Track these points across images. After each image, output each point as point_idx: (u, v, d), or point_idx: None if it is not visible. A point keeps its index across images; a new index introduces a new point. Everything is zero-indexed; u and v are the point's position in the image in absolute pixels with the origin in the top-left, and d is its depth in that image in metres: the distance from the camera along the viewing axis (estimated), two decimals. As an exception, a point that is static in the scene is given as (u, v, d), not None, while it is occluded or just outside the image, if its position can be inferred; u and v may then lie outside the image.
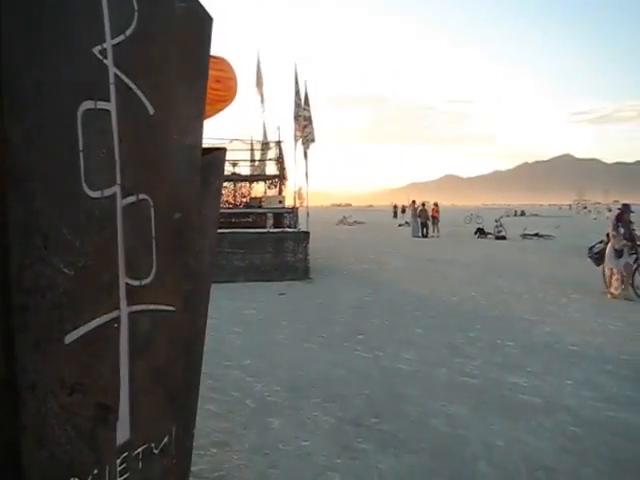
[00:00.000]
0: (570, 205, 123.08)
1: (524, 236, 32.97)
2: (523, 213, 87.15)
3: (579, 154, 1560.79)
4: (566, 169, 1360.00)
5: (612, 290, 12.73)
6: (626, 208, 13.11)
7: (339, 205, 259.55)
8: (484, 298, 12.69)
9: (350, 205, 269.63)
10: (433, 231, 34.97)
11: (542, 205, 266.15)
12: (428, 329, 9.67)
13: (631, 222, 12.84)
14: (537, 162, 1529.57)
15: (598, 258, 13.55)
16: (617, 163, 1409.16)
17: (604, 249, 13.23)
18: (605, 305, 11.91)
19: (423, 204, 36.83)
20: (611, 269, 12.83)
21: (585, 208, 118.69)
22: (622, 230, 12.64)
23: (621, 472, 4.60)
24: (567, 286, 14.30)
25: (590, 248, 14.05)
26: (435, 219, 35.67)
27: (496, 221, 34.12)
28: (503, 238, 32.01)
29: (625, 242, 12.56)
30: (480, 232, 33.93)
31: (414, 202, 38.84)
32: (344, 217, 58.52)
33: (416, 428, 5.49)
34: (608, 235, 13.07)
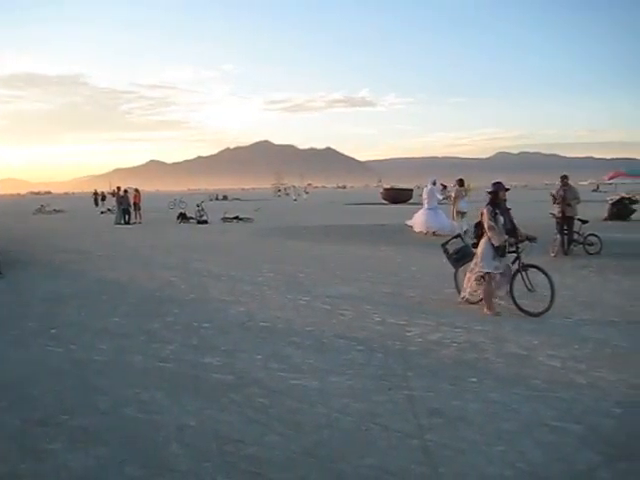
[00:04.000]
0: (281, 189, 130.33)
1: (225, 219, 33.81)
2: (226, 197, 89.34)
3: (277, 140, 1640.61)
4: (265, 154, 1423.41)
5: (467, 295, 9.84)
6: (499, 186, 9.67)
7: (37, 193, 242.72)
8: (183, 282, 12.79)
9: (50, 193, 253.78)
10: (135, 217, 34.32)
11: (244, 189, 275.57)
12: (126, 316, 9.52)
13: (508, 208, 9.75)
14: (239, 148, 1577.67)
15: (459, 259, 10.35)
16: (310, 149, 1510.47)
17: (466, 247, 10.35)
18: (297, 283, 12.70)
19: (125, 190, 35.92)
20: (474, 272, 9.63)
21: (280, 191, 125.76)
22: (502, 219, 9.38)
23: (303, 434, 4.96)
24: (263, 264, 15.02)
25: (444, 245, 10.81)
26: (137, 205, 35.00)
27: (197, 205, 34.52)
28: (205, 222, 32.54)
29: (507, 237, 9.30)
30: (182, 217, 34.07)
31: (119, 188, 37.67)
32: (42, 206, 54.93)
33: (108, 419, 5.37)
34: (478, 226, 9.77)
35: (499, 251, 9.28)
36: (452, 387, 6.00)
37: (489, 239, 9.31)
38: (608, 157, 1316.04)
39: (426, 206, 23.54)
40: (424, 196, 24.03)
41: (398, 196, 59.46)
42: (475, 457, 4.48)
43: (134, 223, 33.32)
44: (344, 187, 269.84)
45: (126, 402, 5.78)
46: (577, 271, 13.64)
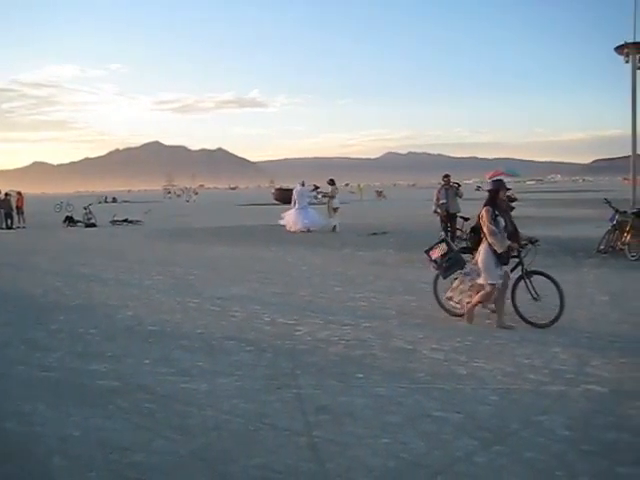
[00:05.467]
0: (171, 191, 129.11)
1: (114, 222, 32.96)
2: (115, 199, 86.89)
3: (167, 141, 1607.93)
4: (156, 155, 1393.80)
5: (454, 304, 8.85)
6: (500, 184, 8.76)
7: None
8: (69, 287, 12.40)
9: None
10: (19, 222, 32.87)
11: (130, 191, 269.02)
12: (6, 325, 9.18)
13: (511, 207, 8.72)
14: (128, 149, 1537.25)
15: (449, 267, 8.99)
16: (201, 150, 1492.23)
17: (456, 254, 9.08)
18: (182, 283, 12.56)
19: (7, 194, 34.29)
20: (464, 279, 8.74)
21: (169, 192, 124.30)
22: (502, 222, 8.37)
23: (191, 437, 4.93)
24: (153, 267, 14.76)
25: (427, 252, 9.26)
26: (19, 209, 33.50)
27: (85, 208, 33.45)
28: (93, 225, 31.62)
29: (510, 242, 8.27)
30: (69, 220, 32.94)
31: (-1, 192, 35.85)
32: None
33: (-14, 436, 5.15)
34: (475, 231, 8.72)
35: (502, 259, 8.28)
36: (339, 384, 6.13)
37: (490, 245, 8.22)
38: (490, 157, 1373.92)
39: (297, 206, 25.03)
40: (294, 197, 25.52)
41: (290, 196, 59.64)
42: (361, 450, 4.59)
43: (17, 228, 31.90)
44: (235, 188, 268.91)
45: (6, 415, 5.54)
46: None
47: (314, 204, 25.78)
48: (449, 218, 16.86)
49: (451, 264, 8.97)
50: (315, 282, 12.43)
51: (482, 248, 8.36)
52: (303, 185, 26.62)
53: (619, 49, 16.11)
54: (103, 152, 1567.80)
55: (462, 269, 8.83)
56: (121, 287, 12.36)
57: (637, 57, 15.96)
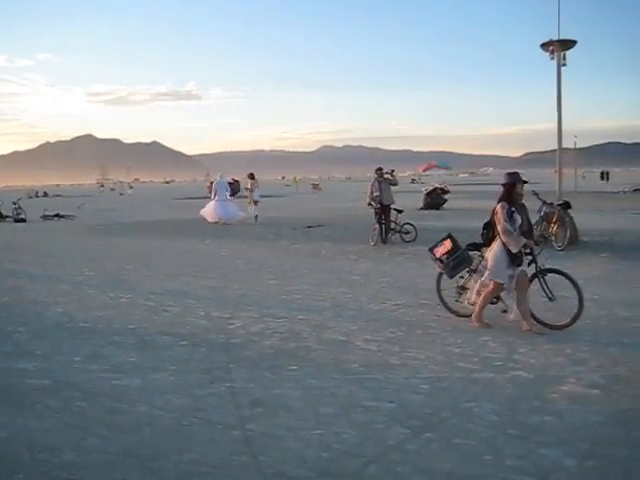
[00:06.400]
0: (104, 185, 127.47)
1: (45, 217, 32.09)
2: (46, 194, 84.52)
3: (100, 134, 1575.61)
4: (89, 149, 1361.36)
5: (469, 303, 8.23)
6: (516, 177, 7.97)
7: None
8: (-5, 285, 12.03)
9: None
10: (-60, 218, 31.69)
11: (59, 185, 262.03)
12: None
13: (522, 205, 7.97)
14: (59, 142, 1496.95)
15: (457, 265, 8.44)
16: (136, 143, 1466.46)
17: (464, 252, 8.46)
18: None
19: None
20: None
21: (103, 186, 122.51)
22: (519, 219, 7.75)
23: (123, 434, 4.86)
24: (85, 262, 14.46)
25: (431, 249, 8.72)
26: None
27: (14, 203, 32.45)
28: (23, 221, 30.71)
29: (526, 241, 7.68)
30: (-3, 216, 31.94)
31: None
32: None
33: None
34: (488, 227, 8.04)
35: (517, 259, 7.72)
36: (273, 376, 6.15)
37: (504, 244, 7.66)
38: (425, 150, 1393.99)
39: (216, 198, 25.79)
40: (214, 189, 26.25)
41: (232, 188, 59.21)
42: (294, 442, 4.62)
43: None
44: (171, 181, 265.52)
45: None
46: (395, 258, 14.42)
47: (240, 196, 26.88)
48: (383, 210, 17.05)
49: (458, 262, 8.40)
50: (250, 275, 12.40)
51: (495, 245, 7.81)
52: (222, 178, 27.53)
53: (545, 46, 16.53)
54: (33, 145, 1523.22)
55: (469, 267, 8.39)
56: (51, 283, 12.06)
57: (562, 54, 16.41)
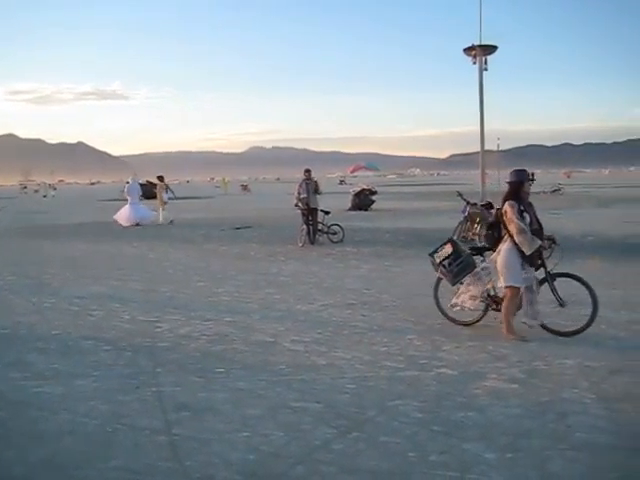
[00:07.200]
0: (27, 186, 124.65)
1: (-39, 221, 30.98)
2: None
3: (23, 134, 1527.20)
4: (11, 149, 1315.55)
5: (462, 305, 7.86)
6: (524, 175, 7.60)
7: None
8: None
9: None
10: None
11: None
12: None
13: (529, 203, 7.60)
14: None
15: (461, 271, 7.89)
16: (60, 143, 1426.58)
17: (468, 257, 7.98)
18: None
19: None
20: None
21: (26, 188, 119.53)
22: (528, 218, 7.37)
23: (44, 443, 4.75)
24: (5, 267, 14.00)
25: (432, 254, 8.15)
26: None
27: None
28: (-63, 224, 29.56)
29: (541, 242, 7.28)
30: None
31: None
32: None
33: None
34: (493, 227, 7.85)
35: (531, 260, 7.29)
36: (200, 379, 6.10)
37: (515, 245, 7.21)
38: (354, 152, 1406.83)
39: (130, 200, 25.91)
40: (126, 192, 26.37)
41: (152, 191, 58.45)
42: (220, 446, 4.61)
43: None
44: (96, 183, 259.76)
45: None
46: (322, 259, 14.51)
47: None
48: (310, 211, 17.14)
49: (462, 268, 7.87)
50: (178, 278, 12.26)
51: (504, 247, 7.36)
52: (134, 180, 27.77)
53: (468, 51, 16.96)
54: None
55: (472, 272, 7.87)
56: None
57: (484, 59, 16.87)
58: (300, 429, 4.88)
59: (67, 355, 7.11)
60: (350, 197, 32.66)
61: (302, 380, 6.04)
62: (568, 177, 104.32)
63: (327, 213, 17.77)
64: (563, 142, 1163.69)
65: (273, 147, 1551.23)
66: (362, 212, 30.69)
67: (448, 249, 7.98)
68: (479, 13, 17.01)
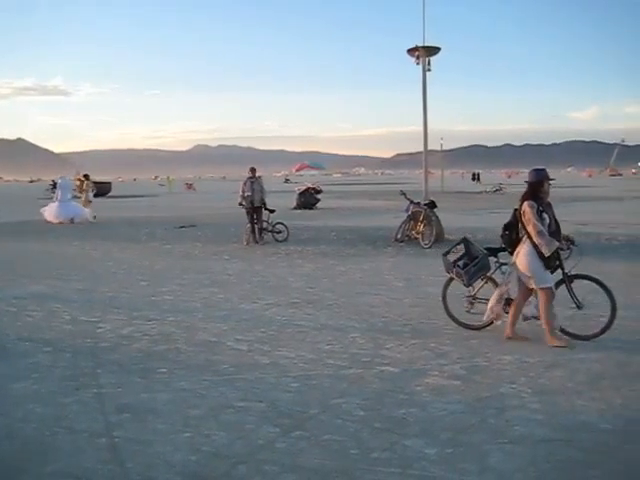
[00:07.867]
0: None
1: None
2: None
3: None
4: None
5: (494, 316, 7.52)
6: (544, 175, 7.31)
7: None
8: None
9: None
10: None
11: None
12: None
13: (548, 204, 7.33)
14: None
15: (477, 271, 7.71)
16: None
17: (484, 257, 7.71)
18: None
19: None
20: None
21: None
22: (547, 219, 7.13)
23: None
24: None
25: (445, 255, 8.08)
26: None
27: None
28: None
29: (559, 243, 7.10)
30: None
31: None
32: None
33: None
34: (510, 228, 7.48)
35: (549, 262, 7.04)
36: (142, 380, 6.03)
37: (535, 246, 6.99)
38: (298, 150, 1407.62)
39: (60, 198, 26.13)
40: (58, 190, 26.69)
41: (97, 189, 57.57)
42: (162, 447, 4.56)
43: None
44: (36, 181, 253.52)
45: None
46: (267, 258, 14.50)
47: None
48: (254, 210, 17.10)
49: (479, 268, 7.68)
50: (120, 277, 12.08)
51: (523, 250, 7.15)
52: (64, 179, 27.87)
53: (411, 51, 17.13)
54: None
55: (487, 273, 7.77)
56: None
57: (427, 59, 17.06)
58: (243, 429, 4.86)
59: (4, 357, 6.94)
60: (295, 196, 32.72)
61: (245, 379, 6.03)
62: (509, 177, 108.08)
63: (272, 211, 17.75)
64: (504, 143, 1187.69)
65: (218, 145, 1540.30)
66: (307, 211, 30.76)
67: (461, 249, 7.98)
68: (422, 13, 17.24)
